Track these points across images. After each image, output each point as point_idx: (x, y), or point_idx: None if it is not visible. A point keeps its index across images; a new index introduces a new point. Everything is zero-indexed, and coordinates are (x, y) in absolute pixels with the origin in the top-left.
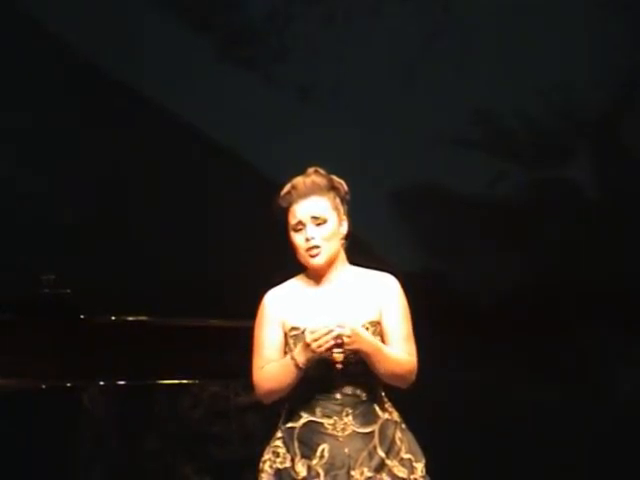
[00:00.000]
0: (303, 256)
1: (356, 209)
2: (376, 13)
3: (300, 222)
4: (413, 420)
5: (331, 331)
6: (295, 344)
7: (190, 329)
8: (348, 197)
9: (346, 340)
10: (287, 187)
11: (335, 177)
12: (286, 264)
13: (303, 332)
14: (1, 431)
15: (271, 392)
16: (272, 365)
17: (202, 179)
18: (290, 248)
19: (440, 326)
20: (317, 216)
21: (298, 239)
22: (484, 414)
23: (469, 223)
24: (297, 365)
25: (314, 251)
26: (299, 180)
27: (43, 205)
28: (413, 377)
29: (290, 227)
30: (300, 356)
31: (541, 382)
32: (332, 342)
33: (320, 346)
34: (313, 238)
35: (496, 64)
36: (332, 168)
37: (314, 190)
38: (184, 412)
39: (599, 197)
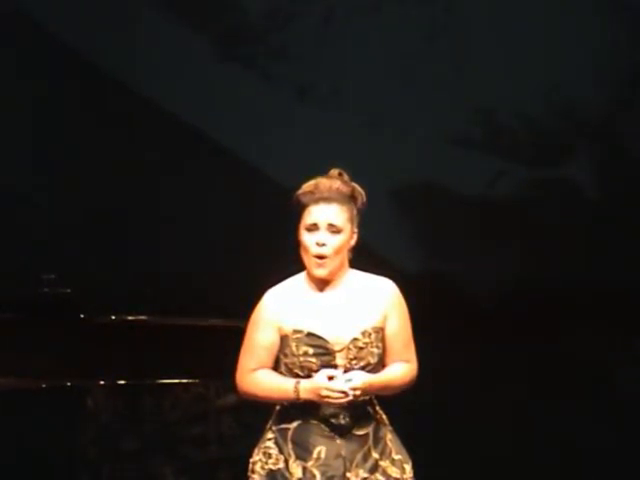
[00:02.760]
0: (309, 258)
1: None
2: (376, 12)
3: (315, 224)
4: (413, 420)
5: (346, 396)
6: (298, 347)
7: (190, 329)
8: (363, 208)
9: (353, 397)
10: (310, 185)
11: (357, 186)
12: (287, 264)
13: (307, 335)
14: (1, 430)
15: (254, 397)
16: (268, 376)
17: (202, 179)
18: (296, 244)
19: (440, 326)
20: (334, 224)
21: (309, 240)
22: (484, 414)
23: (469, 223)
24: (297, 397)
25: (320, 260)
26: (324, 182)
27: (43, 205)
28: (414, 382)
29: (303, 225)
30: (305, 393)
31: (541, 382)
32: (342, 401)
33: (329, 403)
34: (324, 245)
35: (496, 64)
36: (331, 167)
37: (337, 197)
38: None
39: (599, 197)
